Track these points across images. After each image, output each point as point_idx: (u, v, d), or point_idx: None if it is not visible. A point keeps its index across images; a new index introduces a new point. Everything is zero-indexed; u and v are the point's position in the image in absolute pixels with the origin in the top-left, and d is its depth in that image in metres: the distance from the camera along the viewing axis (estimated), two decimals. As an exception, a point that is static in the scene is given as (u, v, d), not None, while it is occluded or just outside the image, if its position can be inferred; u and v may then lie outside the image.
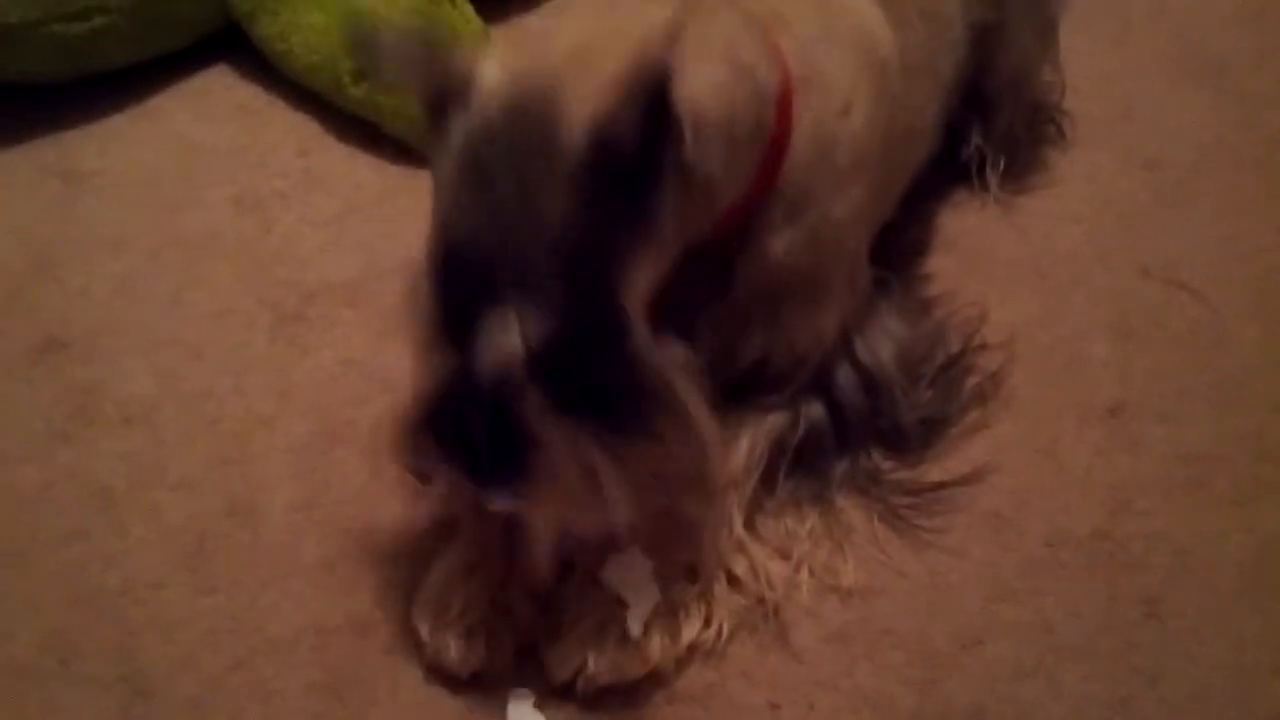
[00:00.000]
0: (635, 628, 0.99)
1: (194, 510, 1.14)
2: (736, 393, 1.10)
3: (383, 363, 1.26)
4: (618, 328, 0.88)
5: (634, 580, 1.01)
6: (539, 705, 1.00)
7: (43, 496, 1.15)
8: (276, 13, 1.54)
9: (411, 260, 1.33)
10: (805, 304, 1.10)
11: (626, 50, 0.85)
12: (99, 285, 1.34)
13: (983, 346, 1.26)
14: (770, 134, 1.00)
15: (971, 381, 1.23)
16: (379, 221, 1.42)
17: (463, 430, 0.88)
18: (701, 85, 0.91)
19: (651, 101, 0.83)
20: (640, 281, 0.90)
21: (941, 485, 1.15)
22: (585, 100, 0.84)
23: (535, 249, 0.84)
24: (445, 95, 0.89)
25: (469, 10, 1.50)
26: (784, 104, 1.01)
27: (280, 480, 1.16)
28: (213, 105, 1.57)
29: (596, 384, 0.88)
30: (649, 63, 0.82)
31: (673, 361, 0.93)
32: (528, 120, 0.85)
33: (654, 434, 0.91)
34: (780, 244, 1.06)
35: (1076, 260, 1.39)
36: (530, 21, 1.63)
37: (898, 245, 1.31)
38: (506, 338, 0.85)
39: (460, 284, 0.87)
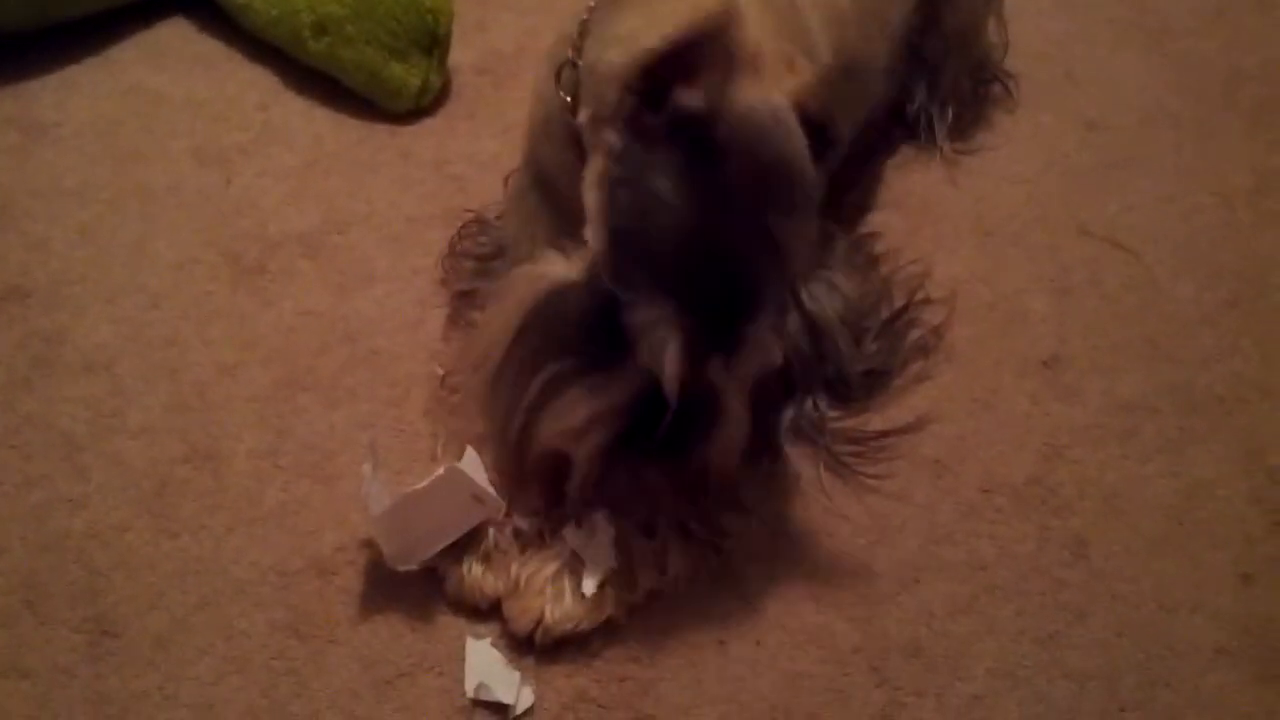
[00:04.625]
0: (589, 587, 1.03)
1: (156, 456, 1.15)
2: None
3: (343, 313, 1.28)
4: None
5: (594, 545, 1.04)
6: (496, 644, 1.04)
7: (5, 443, 1.16)
8: (235, -35, 1.53)
9: (374, 214, 1.37)
10: None
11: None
12: (60, 235, 1.34)
13: (926, 301, 1.30)
14: None
15: (914, 335, 1.27)
16: (338, 175, 1.44)
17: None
18: None
19: None
20: None
21: (884, 434, 1.19)
22: None
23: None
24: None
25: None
26: None
27: (242, 427, 1.18)
28: (172, 57, 1.56)
29: None
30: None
31: None
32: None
33: None
34: None
35: (1018, 218, 1.43)
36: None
37: (845, 202, 1.35)
38: (769, 355, 0.97)
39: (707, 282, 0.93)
